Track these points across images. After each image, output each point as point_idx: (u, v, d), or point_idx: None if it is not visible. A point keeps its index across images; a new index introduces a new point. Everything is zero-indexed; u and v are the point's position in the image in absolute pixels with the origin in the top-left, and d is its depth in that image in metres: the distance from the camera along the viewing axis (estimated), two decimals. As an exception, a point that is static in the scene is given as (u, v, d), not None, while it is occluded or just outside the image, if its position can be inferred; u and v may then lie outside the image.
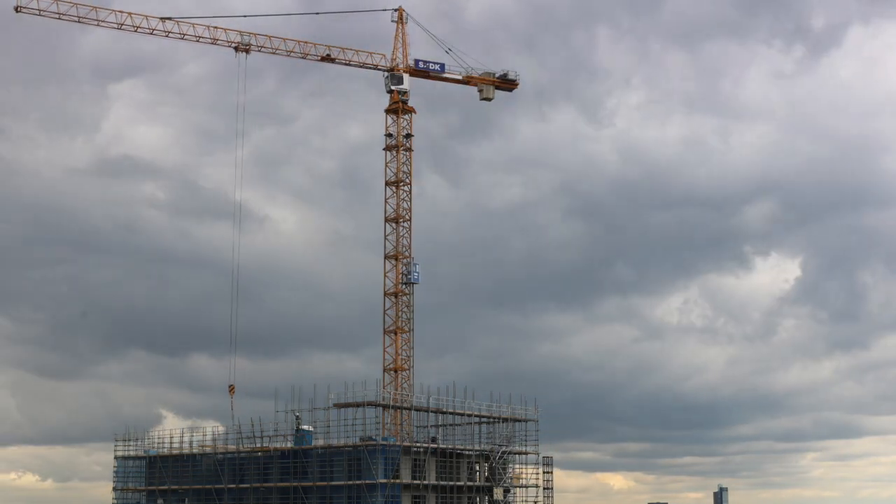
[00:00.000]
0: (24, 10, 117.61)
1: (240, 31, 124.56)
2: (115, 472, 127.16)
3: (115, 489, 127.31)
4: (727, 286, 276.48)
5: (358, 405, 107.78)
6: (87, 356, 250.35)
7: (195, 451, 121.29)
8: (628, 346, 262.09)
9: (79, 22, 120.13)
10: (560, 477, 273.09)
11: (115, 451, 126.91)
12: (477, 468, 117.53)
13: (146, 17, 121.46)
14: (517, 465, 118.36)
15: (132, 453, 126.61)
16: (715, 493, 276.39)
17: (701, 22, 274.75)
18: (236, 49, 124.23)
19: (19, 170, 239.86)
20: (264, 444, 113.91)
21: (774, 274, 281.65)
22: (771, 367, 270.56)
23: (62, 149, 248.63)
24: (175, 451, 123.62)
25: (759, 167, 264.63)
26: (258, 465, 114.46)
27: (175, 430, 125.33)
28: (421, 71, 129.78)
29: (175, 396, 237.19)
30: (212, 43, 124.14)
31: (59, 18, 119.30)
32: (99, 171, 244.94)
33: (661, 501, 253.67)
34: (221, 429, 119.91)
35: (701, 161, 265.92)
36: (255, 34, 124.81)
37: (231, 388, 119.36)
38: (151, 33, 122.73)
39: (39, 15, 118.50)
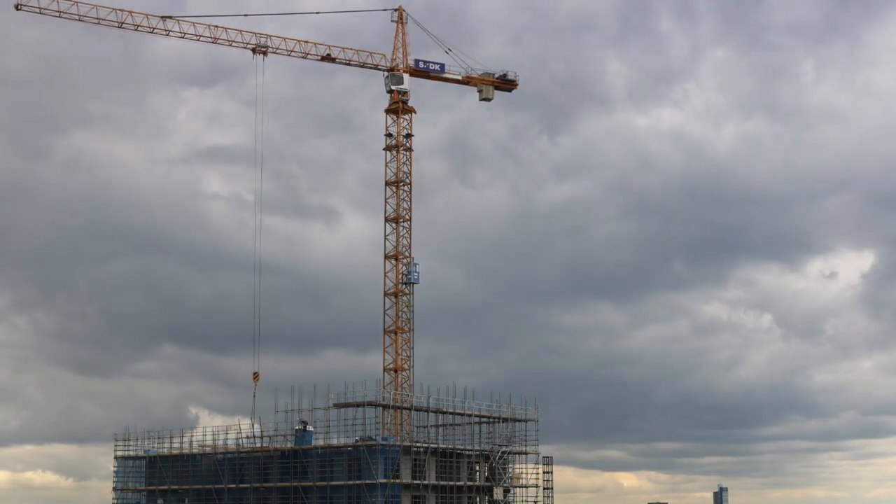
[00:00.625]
0: (24, 7, 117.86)
1: (255, 33, 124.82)
2: (115, 472, 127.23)
3: (115, 489, 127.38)
4: (776, 284, 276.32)
5: (358, 405, 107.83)
6: (125, 354, 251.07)
7: (195, 451, 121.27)
8: (674, 345, 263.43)
9: (79, 20, 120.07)
10: (573, 476, 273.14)
11: (115, 451, 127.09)
12: (477, 468, 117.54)
13: (147, 15, 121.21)
14: (517, 465, 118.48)
15: (132, 453, 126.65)
16: (715, 493, 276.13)
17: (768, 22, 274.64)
18: (254, 51, 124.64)
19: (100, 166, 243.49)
20: (265, 445, 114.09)
21: (828, 273, 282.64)
22: (815, 365, 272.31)
23: (140, 148, 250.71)
24: (175, 451, 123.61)
25: (821, 167, 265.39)
26: (258, 465, 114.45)
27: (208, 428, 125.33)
28: (421, 71, 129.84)
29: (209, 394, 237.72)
30: (228, 45, 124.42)
31: (60, 17, 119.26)
32: (169, 169, 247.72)
33: (663, 502, 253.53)
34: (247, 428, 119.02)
35: (757, 159, 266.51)
36: (268, 35, 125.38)
37: (255, 376, 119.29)
38: (152, 32, 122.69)
39: (40, 13, 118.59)
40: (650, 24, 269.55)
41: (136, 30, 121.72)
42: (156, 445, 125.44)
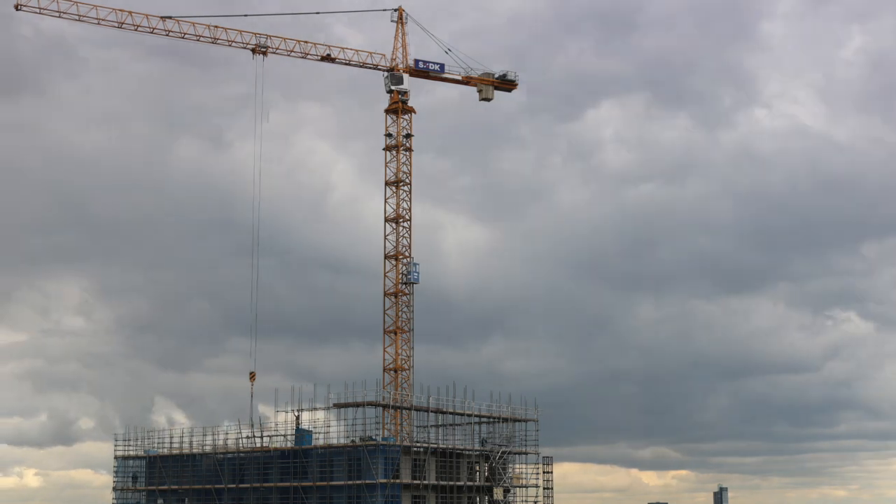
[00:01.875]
0: (23, 7, 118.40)
1: (254, 33, 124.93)
2: (115, 472, 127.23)
3: (115, 489, 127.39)
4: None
5: (358, 405, 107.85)
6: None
7: (195, 451, 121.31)
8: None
9: (79, 20, 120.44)
10: (596, 475, 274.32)
11: (115, 450, 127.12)
12: (477, 468, 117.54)
13: (147, 15, 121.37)
14: (517, 465, 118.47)
15: (132, 453, 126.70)
16: (715, 493, 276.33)
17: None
18: (254, 51, 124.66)
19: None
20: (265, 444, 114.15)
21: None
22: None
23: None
24: (175, 451, 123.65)
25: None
26: (258, 465, 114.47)
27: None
28: (421, 71, 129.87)
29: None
30: (228, 45, 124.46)
31: (60, 17, 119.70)
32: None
33: (662, 502, 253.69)
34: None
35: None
36: (268, 35, 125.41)
37: (252, 376, 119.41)
38: (152, 32, 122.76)
39: (39, 13, 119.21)
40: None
41: (135, 30, 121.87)
42: (156, 445, 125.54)
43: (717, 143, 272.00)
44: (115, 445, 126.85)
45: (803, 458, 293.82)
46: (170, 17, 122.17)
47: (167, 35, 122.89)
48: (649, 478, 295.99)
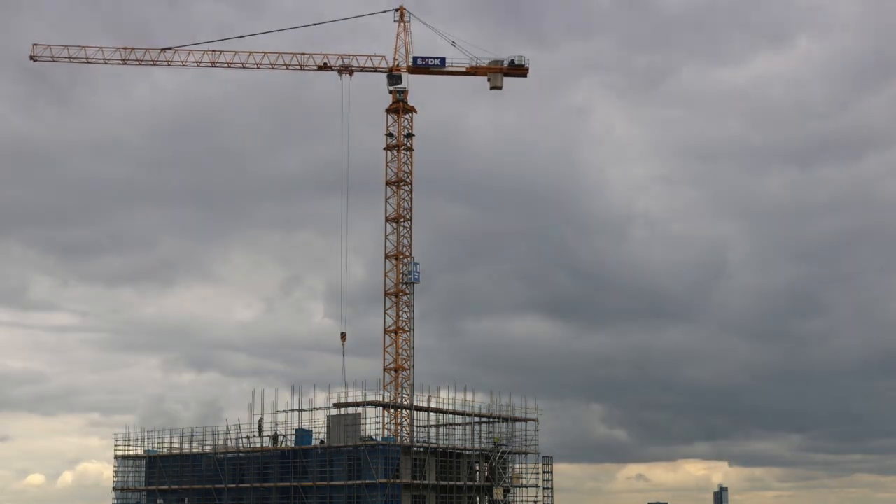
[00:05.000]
0: (38, 59, 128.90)
1: (249, 52, 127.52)
2: (116, 472, 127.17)
3: (114, 489, 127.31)
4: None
5: (358, 405, 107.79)
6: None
7: (195, 451, 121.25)
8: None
9: (87, 62, 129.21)
10: (659, 473, 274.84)
11: (115, 450, 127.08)
12: (477, 468, 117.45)
13: (147, 49, 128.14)
14: (517, 465, 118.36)
15: (132, 453, 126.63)
16: (715, 493, 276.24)
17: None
18: (340, 72, 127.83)
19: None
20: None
21: None
22: None
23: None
24: (175, 451, 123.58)
25: None
26: (258, 465, 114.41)
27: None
28: (421, 68, 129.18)
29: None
30: (227, 67, 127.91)
31: (70, 62, 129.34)
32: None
33: (662, 501, 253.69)
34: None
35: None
36: (264, 52, 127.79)
37: (343, 336, 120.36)
38: (154, 64, 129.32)
39: (52, 61, 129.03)
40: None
41: (139, 64, 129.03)
42: (156, 445, 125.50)
43: None
44: (115, 445, 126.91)
45: None
46: (169, 49, 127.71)
47: (168, 65, 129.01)
48: None
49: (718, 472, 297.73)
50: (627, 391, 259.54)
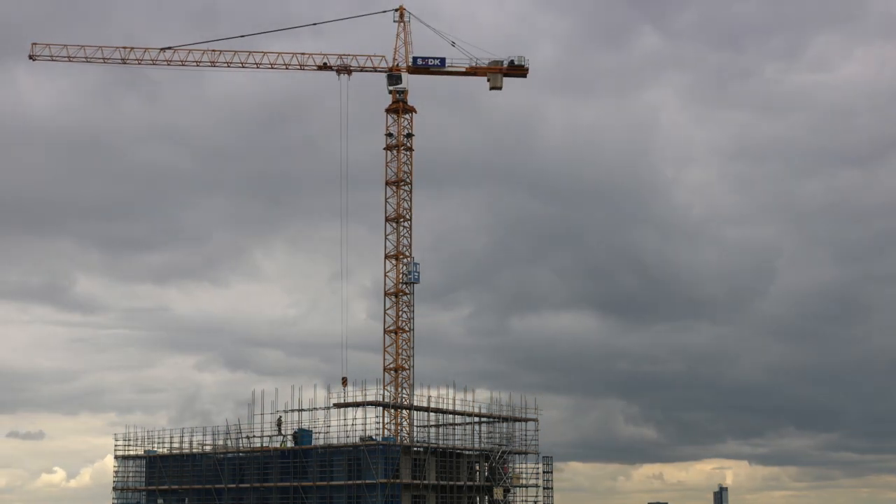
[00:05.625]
0: (37, 57, 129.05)
1: (249, 52, 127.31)
2: (116, 471, 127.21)
3: (114, 489, 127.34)
4: None
5: (358, 405, 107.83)
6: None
7: (195, 451, 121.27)
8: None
9: (86, 61, 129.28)
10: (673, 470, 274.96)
11: (114, 450, 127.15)
12: (477, 468, 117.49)
13: (146, 49, 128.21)
14: (517, 465, 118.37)
15: (132, 453, 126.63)
16: (715, 493, 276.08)
17: None
18: (338, 72, 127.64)
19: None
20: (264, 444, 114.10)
21: None
22: None
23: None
24: (175, 451, 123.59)
25: None
26: (258, 465, 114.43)
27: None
28: (421, 68, 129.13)
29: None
30: (226, 66, 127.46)
31: (69, 61, 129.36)
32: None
33: (662, 501, 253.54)
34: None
35: None
36: (263, 52, 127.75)
37: (343, 381, 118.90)
38: (153, 63, 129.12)
39: (52, 60, 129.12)
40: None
41: (139, 64, 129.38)
42: (156, 445, 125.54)
43: None
44: (115, 445, 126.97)
45: None
46: (168, 48, 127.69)
47: (168, 64, 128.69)
48: None
49: (732, 472, 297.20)
50: (665, 389, 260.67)
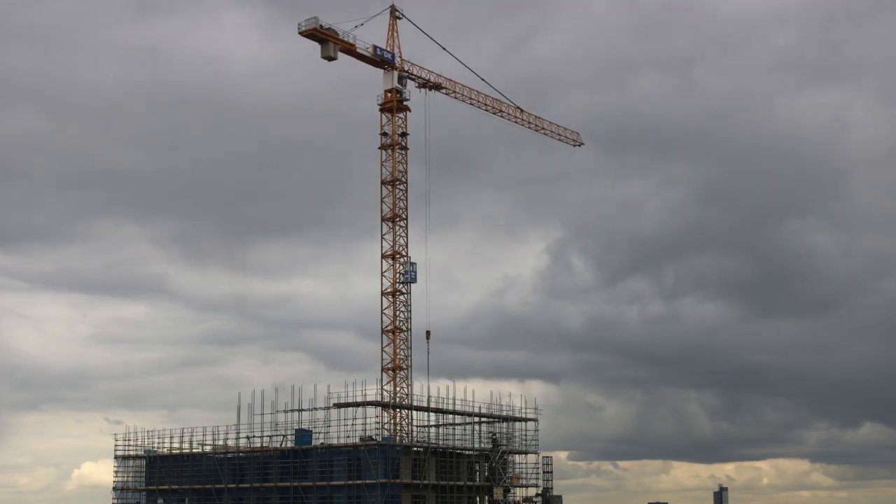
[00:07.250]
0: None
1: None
2: (116, 471, 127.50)
3: (114, 489, 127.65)
4: None
5: (358, 405, 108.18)
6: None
7: (195, 451, 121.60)
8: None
9: None
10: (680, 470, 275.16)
11: (115, 450, 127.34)
12: (477, 468, 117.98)
13: None
14: (517, 466, 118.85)
15: (132, 453, 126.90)
16: (715, 493, 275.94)
17: None
18: (428, 88, 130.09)
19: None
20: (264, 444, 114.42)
21: None
22: None
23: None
24: (175, 451, 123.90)
25: None
26: (258, 465, 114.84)
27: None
28: (377, 58, 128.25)
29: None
30: None
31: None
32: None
33: (663, 502, 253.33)
34: None
35: None
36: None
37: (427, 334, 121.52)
38: None
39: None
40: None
41: None
42: (156, 445, 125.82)
43: None
44: (115, 445, 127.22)
45: None
46: None
47: None
48: None
49: (761, 471, 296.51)
50: (762, 385, 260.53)
